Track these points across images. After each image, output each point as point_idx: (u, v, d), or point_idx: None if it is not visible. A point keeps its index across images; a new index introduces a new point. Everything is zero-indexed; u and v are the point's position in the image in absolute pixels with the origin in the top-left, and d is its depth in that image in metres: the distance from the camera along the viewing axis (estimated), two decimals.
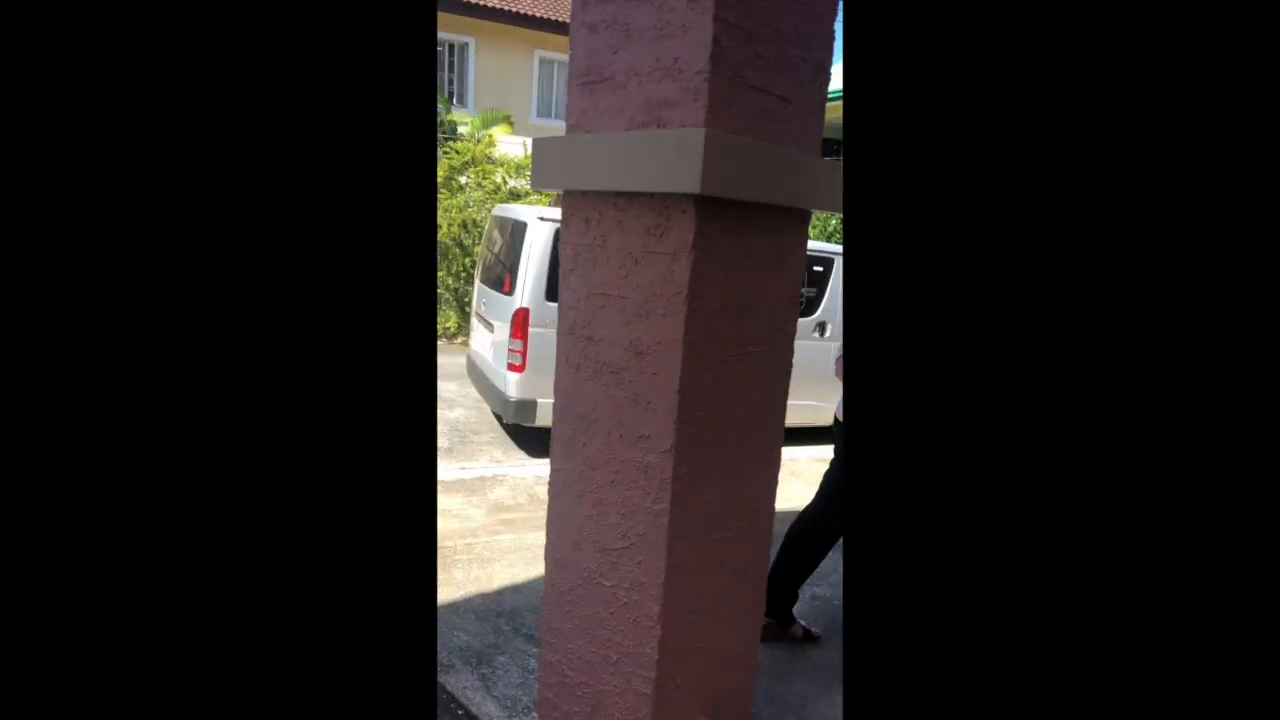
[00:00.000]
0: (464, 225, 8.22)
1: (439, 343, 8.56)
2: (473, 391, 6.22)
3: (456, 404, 5.91)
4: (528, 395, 4.56)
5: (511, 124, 10.83)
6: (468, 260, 8.22)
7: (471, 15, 11.27)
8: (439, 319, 8.55)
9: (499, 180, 8.72)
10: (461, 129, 10.79)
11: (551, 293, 4.49)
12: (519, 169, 8.94)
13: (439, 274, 8.29)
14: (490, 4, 11.37)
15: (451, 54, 11.82)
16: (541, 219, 4.49)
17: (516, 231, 4.73)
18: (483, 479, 4.23)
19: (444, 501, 3.83)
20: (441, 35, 11.44)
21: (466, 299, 8.60)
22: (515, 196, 8.82)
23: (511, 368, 4.54)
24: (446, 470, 4.36)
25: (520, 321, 4.47)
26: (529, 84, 12.29)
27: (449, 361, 7.57)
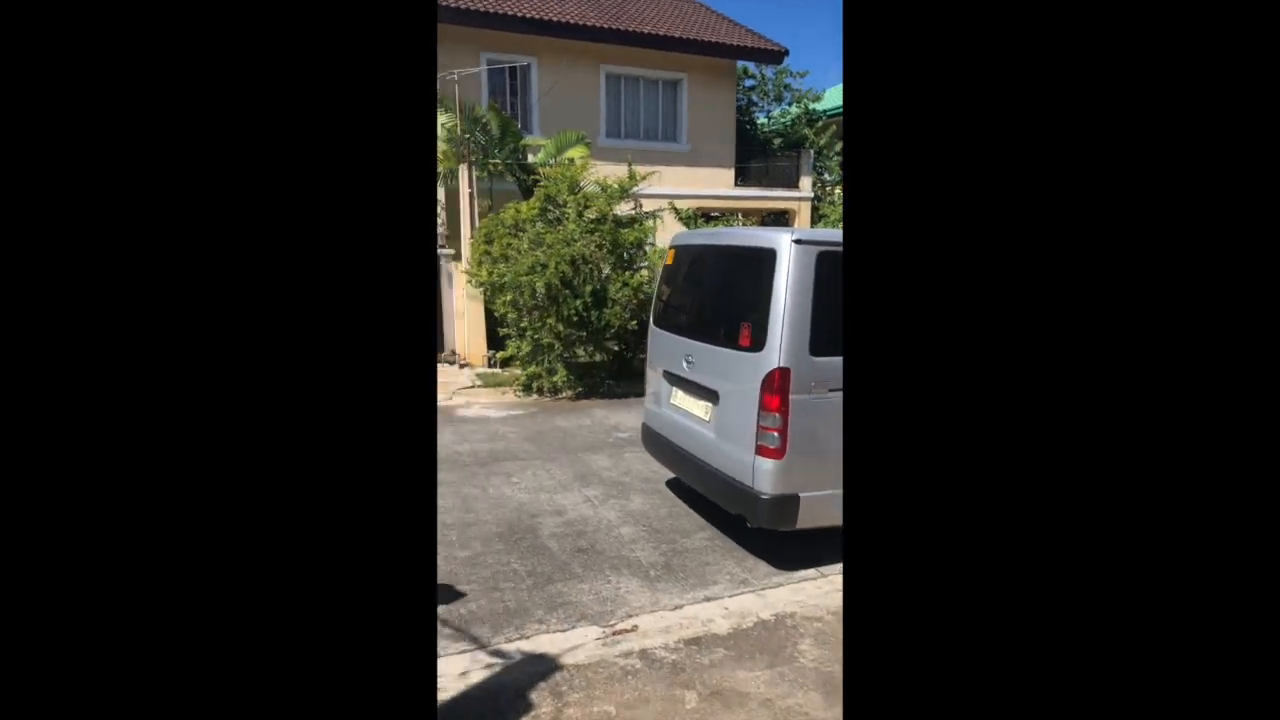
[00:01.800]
0: (573, 262, 7.01)
1: (543, 398, 7.31)
2: (639, 467, 4.96)
3: (630, 488, 4.62)
4: (787, 489, 3.25)
5: (588, 145, 9.71)
6: (578, 303, 7.00)
7: (532, 32, 10.24)
8: (540, 372, 7.30)
9: (604, 207, 7.53)
10: (532, 157, 9.69)
11: (820, 344, 3.21)
12: (623, 193, 7.75)
13: (548, 320, 7.07)
14: (551, 18, 10.34)
15: (512, 77, 10.79)
16: (799, 242, 3.21)
17: (751, 263, 3.47)
18: (766, 625, 2.92)
19: (742, 679, 2.52)
20: (498, 56, 10.40)
21: (576, 347, 7.37)
22: (620, 225, 7.62)
23: (763, 452, 3.25)
24: (694, 604, 3.06)
25: (777, 387, 3.19)
26: (596, 103, 11.21)
27: (575, 424, 6.32)
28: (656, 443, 4.27)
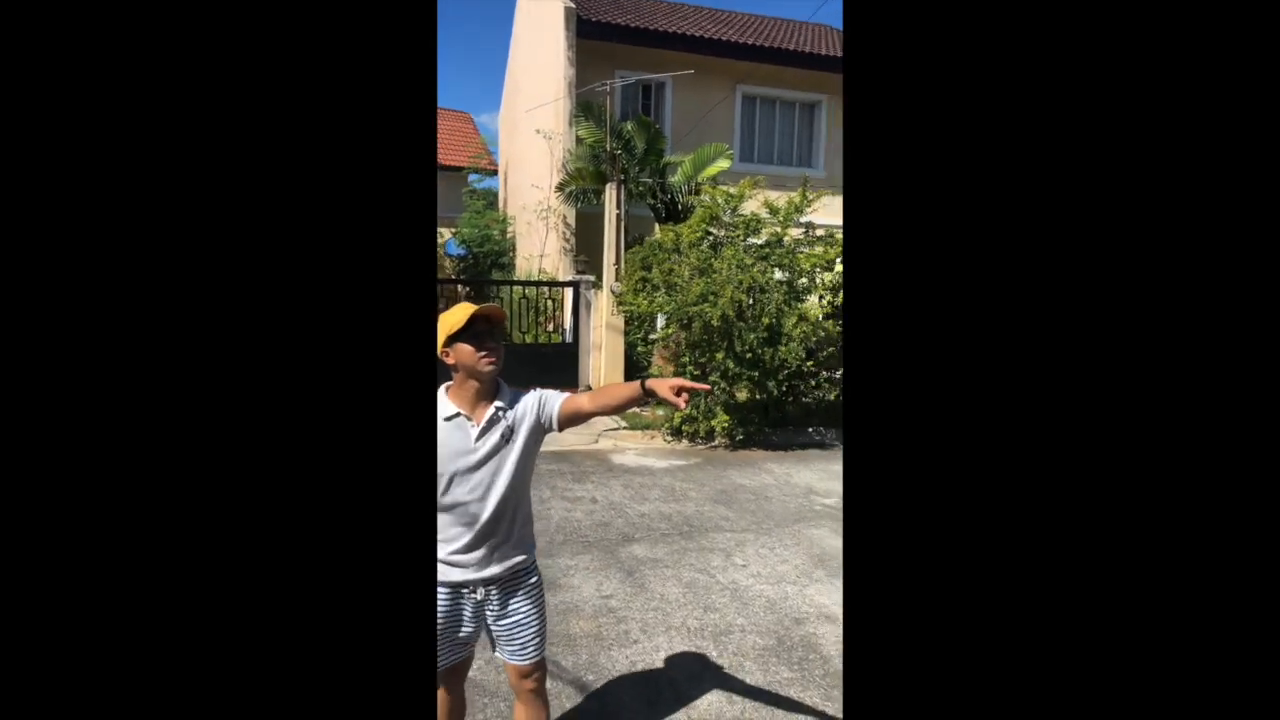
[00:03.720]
0: (749, 292, 6.07)
1: (695, 445, 6.33)
2: None
3: None
4: None
5: (731, 158, 8.88)
6: (751, 337, 6.03)
7: (671, 47, 9.58)
8: (695, 415, 6.34)
9: (782, 229, 6.60)
10: (672, 178, 8.91)
11: None
12: (797, 213, 6.81)
13: (718, 356, 6.12)
14: (689, 32, 9.67)
15: (646, 97, 10.14)
16: None
17: None
18: None
19: None
20: (633, 75, 9.77)
21: (741, 387, 6.39)
22: (792, 255, 6.67)
23: None
24: None
25: None
26: (732, 125, 10.43)
27: (757, 482, 5.26)
28: None
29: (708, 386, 1.77)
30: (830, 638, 2.92)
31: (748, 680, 2.59)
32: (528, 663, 1.79)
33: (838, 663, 2.72)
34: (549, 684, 2.50)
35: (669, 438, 6.57)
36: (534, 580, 1.82)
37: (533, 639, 1.79)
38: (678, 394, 1.63)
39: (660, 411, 6.88)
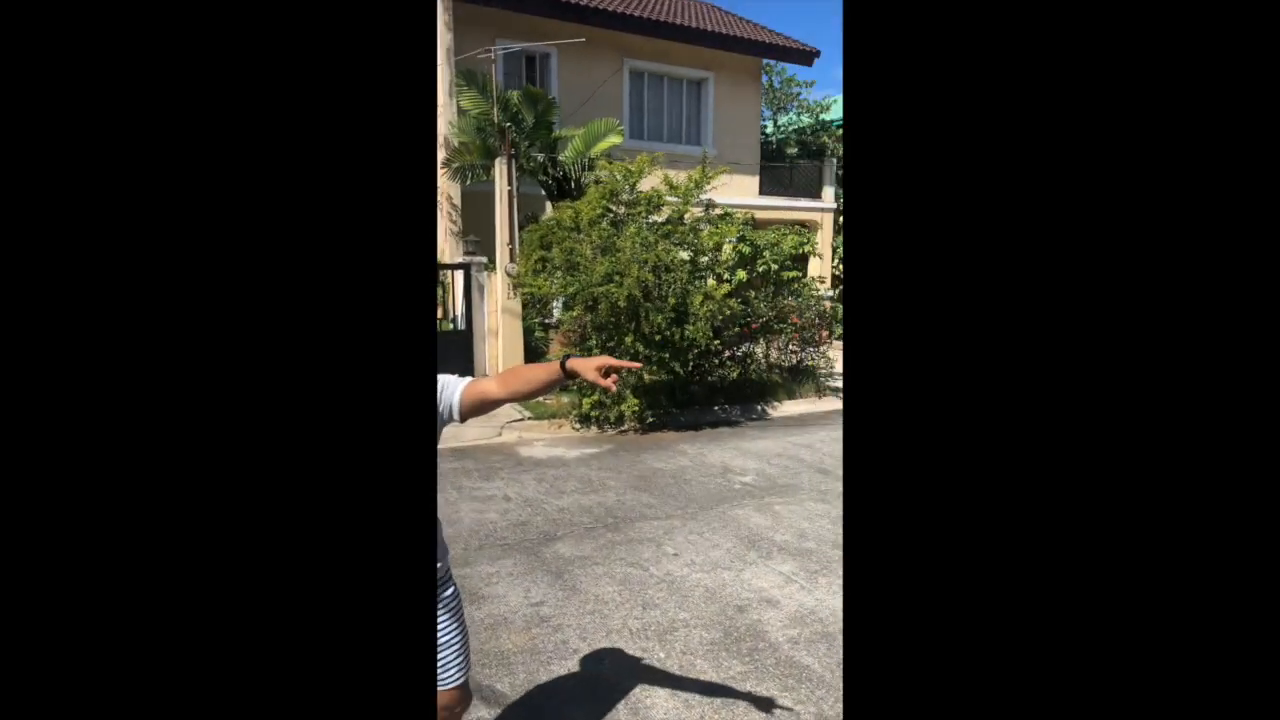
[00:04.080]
0: (654, 270, 5.90)
1: (604, 431, 6.14)
2: (807, 524, 3.86)
3: (824, 556, 3.51)
4: None
5: (622, 134, 8.66)
6: (659, 318, 5.88)
7: (555, 16, 9.13)
8: (605, 400, 6.14)
9: (683, 206, 6.46)
10: (564, 154, 8.56)
11: None
12: (698, 189, 6.70)
13: (627, 339, 5.92)
14: (577, 1, 9.26)
15: (530, 68, 9.63)
16: None
17: None
18: None
19: None
20: (517, 44, 9.25)
21: (649, 369, 6.23)
22: (695, 232, 6.57)
23: None
24: None
25: None
26: (620, 102, 10.15)
27: (674, 465, 5.14)
28: None
29: (639, 365, 1.56)
30: (776, 623, 2.83)
31: (701, 679, 2.44)
32: (451, 687, 1.54)
33: (788, 650, 2.64)
34: (485, 712, 2.23)
35: (577, 425, 6.32)
36: (450, 592, 1.56)
37: (454, 659, 1.55)
38: (605, 375, 1.41)
39: (566, 398, 6.61)
